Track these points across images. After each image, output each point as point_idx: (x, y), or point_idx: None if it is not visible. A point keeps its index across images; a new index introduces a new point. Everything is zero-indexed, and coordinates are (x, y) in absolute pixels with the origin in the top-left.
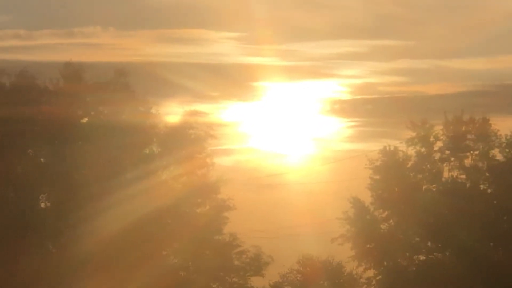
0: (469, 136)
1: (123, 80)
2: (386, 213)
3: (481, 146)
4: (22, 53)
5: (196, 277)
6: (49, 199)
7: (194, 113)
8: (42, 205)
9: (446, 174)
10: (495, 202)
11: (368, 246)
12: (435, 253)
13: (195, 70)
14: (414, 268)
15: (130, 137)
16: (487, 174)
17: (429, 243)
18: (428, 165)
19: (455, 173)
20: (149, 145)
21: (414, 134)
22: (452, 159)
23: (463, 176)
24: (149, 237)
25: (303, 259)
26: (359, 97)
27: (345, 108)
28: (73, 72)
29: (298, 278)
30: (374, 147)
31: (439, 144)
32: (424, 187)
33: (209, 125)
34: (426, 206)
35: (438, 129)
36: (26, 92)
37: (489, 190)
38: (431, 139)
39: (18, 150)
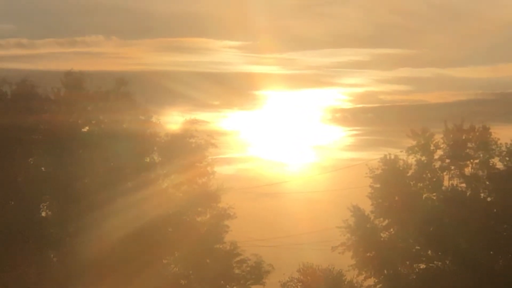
0: (469, 145)
1: (124, 89)
2: (386, 221)
3: (481, 155)
4: (24, 62)
5: (197, 286)
6: (50, 208)
7: (195, 121)
8: (43, 214)
9: (446, 183)
10: (495, 210)
11: (368, 254)
12: (435, 262)
13: (197, 79)
14: (415, 277)
15: (131, 145)
16: (487, 183)
17: (429, 252)
18: (429, 174)
19: (455, 182)
20: (150, 153)
21: (414, 142)
22: (452, 167)
23: (463, 185)
24: (150, 246)
25: (303, 267)
26: (360, 105)
27: (346, 117)
28: (75, 81)
29: (299, 286)
30: (375, 155)
31: (439, 152)
32: (424, 196)
33: (210, 133)
34: (426, 214)
35: (439, 137)
36: (27, 100)
37: (489, 199)
38: (432, 147)
39: (19, 159)
